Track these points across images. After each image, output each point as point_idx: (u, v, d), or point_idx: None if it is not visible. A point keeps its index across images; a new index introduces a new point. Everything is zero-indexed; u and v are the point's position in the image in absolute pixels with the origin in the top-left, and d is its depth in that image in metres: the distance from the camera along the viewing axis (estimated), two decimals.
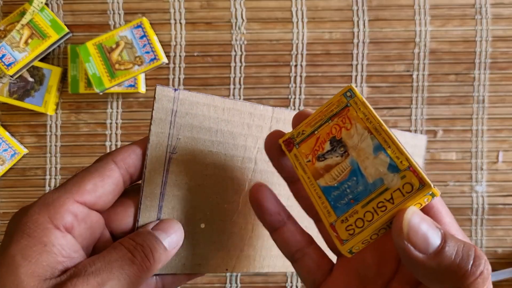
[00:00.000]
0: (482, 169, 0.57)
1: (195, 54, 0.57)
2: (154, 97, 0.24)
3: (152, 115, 0.24)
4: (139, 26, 0.53)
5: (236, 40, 0.57)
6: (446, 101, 0.57)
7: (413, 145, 0.31)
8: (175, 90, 0.24)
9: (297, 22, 0.57)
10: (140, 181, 0.25)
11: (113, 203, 0.24)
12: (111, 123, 0.57)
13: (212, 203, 0.25)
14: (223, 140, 0.25)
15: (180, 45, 0.57)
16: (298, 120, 0.24)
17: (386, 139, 0.20)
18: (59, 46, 0.57)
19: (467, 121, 0.57)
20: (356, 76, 0.57)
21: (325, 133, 0.22)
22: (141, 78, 0.56)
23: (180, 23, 0.57)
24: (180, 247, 0.25)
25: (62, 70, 0.56)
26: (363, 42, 0.57)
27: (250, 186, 0.25)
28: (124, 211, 0.25)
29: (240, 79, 0.57)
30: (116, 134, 0.57)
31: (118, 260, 0.21)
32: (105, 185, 0.23)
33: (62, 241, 0.21)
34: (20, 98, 0.55)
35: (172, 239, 0.24)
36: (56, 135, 0.57)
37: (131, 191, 0.26)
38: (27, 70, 0.55)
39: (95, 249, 0.24)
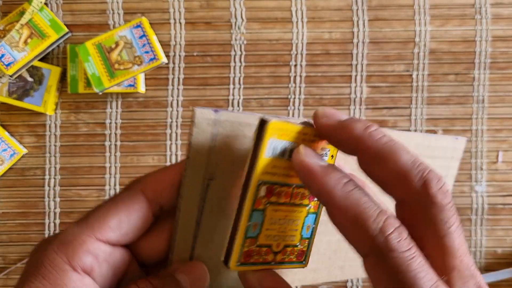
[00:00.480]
0: (482, 169, 0.57)
1: (195, 54, 0.57)
2: (193, 121, 0.21)
3: (190, 141, 0.21)
4: (138, 25, 0.53)
5: (235, 40, 0.57)
6: (446, 101, 0.57)
7: (454, 148, 0.31)
8: (216, 111, 0.21)
9: (297, 22, 0.57)
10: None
11: (140, 236, 0.22)
12: (110, 123, 0.57)
13: None
14: None
15: (180, 44, 0.57)
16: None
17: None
18: (58, 46, 0.57)
19: (466, 121, 0.57)
20: (355, 76, 0.57)
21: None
22: (141, 78, 0.56)
23: (180, 23, 0.57)
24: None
25: (61, 70, 0.56)
26: (363, 42, 0.57)
27: None
28: (155, 241, 0.22)
29: (239, 79, 0.57)
30: (115, 134, 0.57)
31: None
32: (131, 221, 0.21)
33: (79, 284, 0.19)
34: (20, 98, 0.55)
35: (195, 282, 0.22)
36: (55, 135, 0.57)
37: (164, 216, 0.23)
38: (27, 70, 0.55)
39: (121, 283, 0.22)
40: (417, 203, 0.18)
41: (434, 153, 0.30)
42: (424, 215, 0.18)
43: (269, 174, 0.21)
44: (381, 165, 0.19)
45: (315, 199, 0.23)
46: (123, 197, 0.21)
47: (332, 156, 0.22)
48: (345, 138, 0.20)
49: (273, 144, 0.20)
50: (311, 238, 0.23)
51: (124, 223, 0.21)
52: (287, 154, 0.21)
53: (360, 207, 0.18)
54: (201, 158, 0.21)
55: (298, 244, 0.23)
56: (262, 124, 0.20)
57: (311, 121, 0.21)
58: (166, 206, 0.22)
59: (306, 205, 0.23)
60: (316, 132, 0.21)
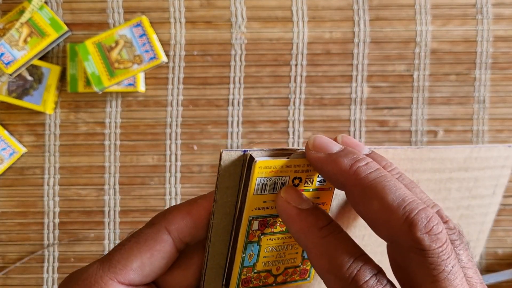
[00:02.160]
0: None
1: (195, 53, 0.57)
2: (219, 164, 0.20)
3: (217, 184, 0.20)
4: (138, 24, 0.53)
5: (236, 39, 0.57)
6: (447, 101, 0.57)
7: (506, 157, 0.30)
8: (245, 151, 0.20)
9: (298, 21, 0.57)
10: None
11: (164, 272, 0.22)
12: (110, 122, 0.57)
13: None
14: None
15: (180, 44, 0.57)
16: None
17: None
18: (58, 45, 0.57)
19: (467, 122, 0.57)
20: (356, 75, 0.57)
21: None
22: (141, 77, 0.56)
23: (180, 22, 0.57)
24: None
25: (61, 69, 0.56)
26: (364, 42, 0.57)
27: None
28: (182, 275, 0.22)
29: (240, 79, 0.57)
30: (115, 133, 0.57)
31: None
32: (155, 262, 0.20)
33: None
34: (19, 97, 0.55)
35: None
36: (55, 134, 0.57)
37: (190, 249, 0.22)
38: (26, 68, 0.55)
39: None
40: (404, 247, 0.17)
41: (484, 164, 0.28)
42: (413, 259, 0.17)
43: (261, 209, 0.21)
44: (367, 203, 0.18)
45: None
46: (146, 237, 0.20)
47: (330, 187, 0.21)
48: (332, 173, 0.19)
49: (262, 182, 0.20)
50: None
51: (147, 265, 0.20)
52: (278, 188, 0.21)
53: (333, 255, 0.17)
54: (230, 200, 0.21)
55: (300, 264, 0.23)
56: (250, 162, 0.20)
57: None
58: (192, 242, 0.22)
59: None
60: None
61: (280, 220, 0.21)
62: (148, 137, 0.57)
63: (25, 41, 0.54)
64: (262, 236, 0.21)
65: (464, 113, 0.57)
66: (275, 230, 0.22)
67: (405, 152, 0.23)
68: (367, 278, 0.16)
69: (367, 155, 0.20)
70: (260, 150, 0.20)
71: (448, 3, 0.57)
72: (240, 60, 0.57)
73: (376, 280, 0.16)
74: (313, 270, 0.24)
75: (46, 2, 0.56)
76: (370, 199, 0.17)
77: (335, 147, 0.19)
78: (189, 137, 0.57)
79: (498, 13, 0.57)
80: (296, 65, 0.57)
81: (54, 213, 0.57)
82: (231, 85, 0.57)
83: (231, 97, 0.57)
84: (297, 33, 0.57)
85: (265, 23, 0.57)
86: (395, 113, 0.57)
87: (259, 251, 0.22)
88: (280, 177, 0.20)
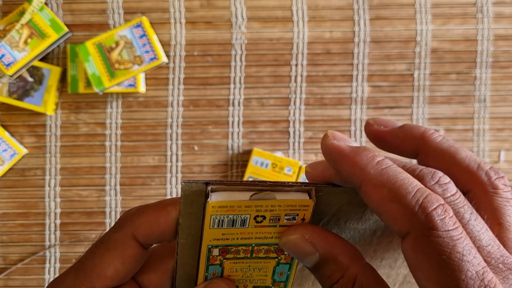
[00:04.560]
0: None
1: (195, 53, 0.57)
2: (181, 193, 0.20)
3: (180, 209, 0.20)
4: (138, 25, 0.53)
5: (236, 39, 0.57)
6: (448, 100, 0.57)
7: None
8: (207, 184, 0.20)
9: (298, 21, 0.57)
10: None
11: (140, 268, 0.22)
12: (110, 123, 0.57)
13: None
14: None
15: (180, 44, 0.57)
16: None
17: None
18: (58, 46, 0.57)
19: (468, 120, 0.57)
20: (357, 75, 0.57)
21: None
22: (141, 78, 0.56)
23: (180, 22, 0.57)
24: None
25: (61, 70, 0.56)
26: (364, 41, 0.57)
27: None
28: (160, 279, 0.23)
29: (240, 79, 0.57)
30: (115, 134, 0.57)
31: None
32: (127, 266, 0.21)
33: None
34: (20, 98, 0.55)
35: None
36: (55, 135, 0.57)
37: (163, 251, 0.23)
38: (27, 70, 0.55)
39: None
40: (416, 233, 0.17)
41: None
42: (426, 244, 0.16)
43: (220, 240, 0.20)
44: (448, 159, 0.19)
45: (286, 253, 0.21)
46: (115, 244, 0.21)
47: (303, 219, 0.20)
48: (405, 138, 0.20)
49: (218, 218, 0.20)
50: (287, 282, 0.23)
51: (121, 271, 0.21)
52: (238, 224, 0.20)
53: (398, 183, 0.17)
54: (192, 223, 0.21)
55: (271, 285, 0.23)
56: (202, 195, 0.19)
57: (272, 194, 0.20)
58: (156, 243, 0.22)
59: (275, 258, 0.22)
60: (278, 203, 0.20)
61: (244, 248, 0.21)
62: (149, 138, 0.57)
63: (25, 42, 0.54)
64: (224, 260, 0.21)
65: (464, 112, 0.57)
66: (238, 256, 0.21)
67: None
68: (435, 206, 0.16)
69: (401, 126, 0.21)
70: (223, 183, 0.19)
71: (448, 2, 0.57)
72: (241, 60, 0.57)
73: (444, 209, 0.16)
74: None
75: (46, 3, 0.56)
76: (451, 156, 0.19)
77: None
78: (190, 137, 0.57)
79: (498, 12, 0.57)
80: (296, 65, 0.57)
81: (55, 214, 0.57)
82: (232, 85, 0.57)
83: (231, 97, 0.57)
84: (297, 33, 0.57)
85: (265, 23, 0.57)
86: (396, 112, 0.57)
87: (222, 272, 0.22)
88: (240, 215, 0.20)
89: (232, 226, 0.20)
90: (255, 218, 0.20)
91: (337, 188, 0.20)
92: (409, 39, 0.57)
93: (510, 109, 0.57)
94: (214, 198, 0.19)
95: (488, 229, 0.17)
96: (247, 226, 0.20)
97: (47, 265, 0.57)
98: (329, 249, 0.19)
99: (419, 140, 0.20)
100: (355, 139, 0.57)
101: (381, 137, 0.21)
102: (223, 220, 0.20)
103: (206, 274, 0.22)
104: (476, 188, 0.19)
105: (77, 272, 0.21)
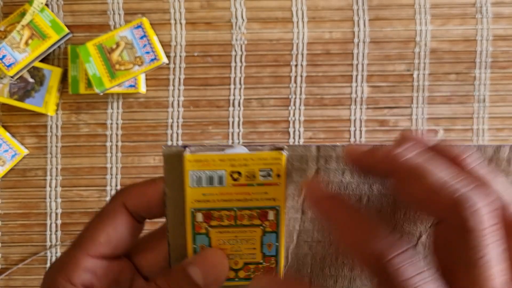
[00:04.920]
0: None
1: (195, 54, 0.57)
2: (163, 159, 0.22)
3: (164, 178, 0.21)
4: (139, 26, 0.53)
5: (236, 40, 0.57)
6: (447, 100, 0.57)
7: None
8: (184, 147, 0.21)
9: (298, 21, 0.57)
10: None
11: (137, 243, 0.23)
12: (111, 124, 0.57)
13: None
14: None
15: (180, 45, 0.57)
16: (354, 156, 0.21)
17: None
18: (59, 47, 0.57)
19: (468, 120, 0.57)
20: (356, 75, 0.57)
21: None
22: (142, 78, 0.56)
23: (180, 23, 0.57)
24: None
25: (62, 71, 0.56)
26: (364, 42, 0.57)
27: (299, 238, 0.23)
28: (156, 254, 0.23)
29: (240, 79, 0.57)
30: (116, 134, 0.57)
31: None
32: (119, 233, 0.22)
33: None
34: (21, 99, 0.55)
35: (210, 275, 0.21)
36: (56, 136, 0.57)
37: (158, 232, 0.24)
38: (28, 70, 0.55)
39: None
40: (450, 226, 0.17)
41: None
42: (456, 240, 0.16)
43: (201, 202, 0.21)
44: (413, 185, 0.18)
45: (270, 218, 0.22)
46: (107, 212, 0.22)
47: (278, 175, 0.21)
48: (376, 162, 0.19)
49: (195, 175, 0.21)
50: (278, 256, 0.23)
51: (113, 237, 0.22)
52: (216, 182, 0.21)
53: (360, 230, 0.17)
54: (176, 193, 0.21)
55: (262, 261, 0.23)
56: (180, 157, 0.20)
57: (244, 149, 0.21)
58: (149, 218, 0.23)
59: (259, 225, 0.22)
60: (250, 156, 0.21)
61: (227, 213, 0.22)
62: (149, 138, 0.57)
63: (26, 43, 0.54)
64: (209, 229, 0.22)
65: (464, 112, 0.57)
66: (222, 224, 0.22)
67: None
68: (397, 252, 0.16)
69: (371, 149, 0.20)
70: (200, 145, 0.20)
71: (447, 3, 0.57)
72: (241, 60, 0.57)
73: (408, 255, 0.16)
74: (280, 269, 0.23)
75: (47, 5, 0.57)
76: (417, 179, 0.17)
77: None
78: (190, 137, 0.57)
79: (497, 12, 0.57)
80: (296, 65, 0.57)
81: (56, 214, 0.57)
82: (232, 86, 0.57)
83: (231, 97, 0.57)
84: (297, 34, 0.57)
85: (265, 24, 0.57)
86: (396, 112, 0.57)
87: (209, 244, 0.22)
88: (215, 171, 0.21)
89: (211, 184, 0.21)
90: (231, 175, 0.21)
91: (307, 146, 0.21)
92: (408, 40, 0.57)
93: (509, 109, 0.57)
94: (189, 152, 0.20)
95: (505, 271, 0.16)
96: (224, 184, 0.21)
97: (48, 265, 0.57)
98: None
99: (387, 162, 0.19)
100: (355, 139, 0.57)
101: (358, 156, 0.20)
102: (200, 177, 0.21)
103: (194, 246, 0.22)
104: (447, 221, 0.17)
105: (75, 243, 0.22)
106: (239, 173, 0.21)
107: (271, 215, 0.22)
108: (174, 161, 0.21)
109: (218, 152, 0.21)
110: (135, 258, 0.23)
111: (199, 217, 0.22)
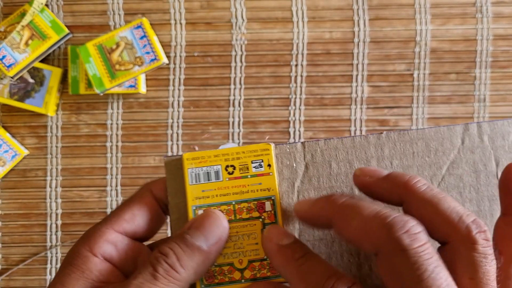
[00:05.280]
0: None
1: (195, 54, 0.57)
2: (165, 170, 0.24)
3: (167, 189, 0.24)
4: (139, 26, 0.53)
5: (236, 40, 0.57)
6: (447, 100, 0.57)
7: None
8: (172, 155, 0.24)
9: (298, 21, 0.57)
10: None
11: (155, 231, 0.25)
12: (111, 124, 0.57)
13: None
14: None
15: (180, 45, 0.57)
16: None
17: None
18: (59, 47, 0.57)
19: (468, 120, 0.57)
20: (356, 75, 0.57)
21: None
22: (142, 79, 0.56)
23: (180, 23, 0.57)
24: None
25: (62, 71, 0.56)
26: (364, 41, 0.57)
27: (301, 237, 0.24)
28: None
29: (240, 79, 0.57)
30: (116, 134, 0.57)
31: (138, 278, 0.20)
32: (143, 214, 0.23)
33: (100, 267, 0.22)
34: (21, 99, 0.55)
35: (209, 234, 0.22)
36: (56, 136, 0.57)
37: None
38: (28, 71, 0.55)
39: None
40: (387, 253, 0.18)
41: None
42: (398, 264, 0.18)
43: (201, 199, 0.23)
44: (430, 209, 0.19)
45: (267, 209, 0.23)
46: (135, 195, 0.24)
47: (269, 165, 0.23)
48: (390, 188, 0.21)
49: (194, 172, 0.23)
50: None
51: (138, 216, 0.23)
52: (213, 177, 0.23)
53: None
54: (179, 200, 0.23)
55: (266, 258, 0.23)
56: (181, 162, 0.23)
57: (233, 144, 0.23)
58: None
59: (258, 217, 0.23)
60: (241, 149, 0.23)
61: (227, 208, 0.23)
62: (150, 138, 0.57)
63: (26, 43, 0.54)
64: None
65: (464, 112, 0.57)
66: None
67: (367, 139, 0.24)
68: (400, 226, 0.18)
69: (386, 176, 0.22)
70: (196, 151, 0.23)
71: (447, 2, 0.57)
72: (241, 61, 0.57)
73: (409, 228, 0.18)
74: None
75: (47, 5, 0.57)
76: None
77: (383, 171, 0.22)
78: (190, 138, 0.57)
79: (497, 12, 0.57)
80: (296, 65, 0.57)
81: (56, 214, 0.57)
82: (232, 86, 0.57)
83: (231, 97, 0.57)
84: (297, 34, 0.57)
85: (265, 24, 0.57)
86: (396, 112, 0.57)
87: None
88: (212, 167, 0.23)
89: (208, 180, 0.23)
90: (226, 169, 0.23)
91: (293, 143, 0.24)
92: (408, 39, 0.57)
93: (509, 108, 0.57)
94: (189, 152, 0.23)
95: (451, 284, 0.18)
96: (221, 179, 0.23)
97: (49, 265, 0.57)
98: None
99: (402, 190, 0.20)
100: None
101: (367, 187, 0.22)
102: (198, 173, 0.23)
103: None
104: (455, 241, 0.19)
105: (103, 220, 0.23)
106: (233, 166, 0.23)
107: (268, 206, 0.23)
108: (174, 167, 0.23)
109: (212, 149, 0.23)
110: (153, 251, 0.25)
111: (200, 213, 0.23)
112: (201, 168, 0.23)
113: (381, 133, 0.25)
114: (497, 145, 0.24)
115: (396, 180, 0.21)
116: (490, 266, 0.18)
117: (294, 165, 0.24)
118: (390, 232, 0.18)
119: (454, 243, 0.19)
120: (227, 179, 0.23)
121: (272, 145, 0.23)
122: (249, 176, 0.23)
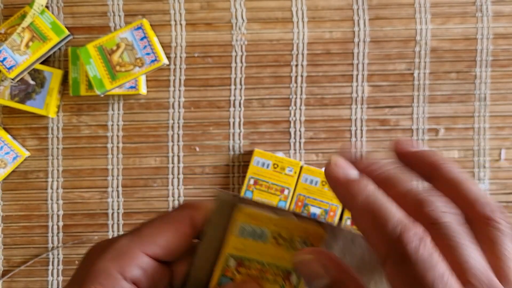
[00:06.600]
0: (484, 167, 0.57)
1: (196, 55, 0.57)
2: (214, 201, 0.23)
3: (209, 218, 0.23)
4: (139, 27, 0.53)
5: (236, 40, 0.57)
6: (448, 99, 0.57)
7: None
8: (235, 196, 0.23)
9: (298, 21, 0.57)
10: None
11: (181, 257, 0.24)
12: (112, 125, 0.57)
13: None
14: None
15: (181, 46, 0.57)
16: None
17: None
18: (59, 49, 0.57)
19: (468, 119, 0.57)
20: (357, 75, 0.57)
21: None
22: (142, 80, 0.56)
23: (180, 24, 0.57)
24: None
25: (63, 73, 0.56)
26: (364, 41, 0.57)
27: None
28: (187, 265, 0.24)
29: (240, 80, 0.57)
30: (117, 136, 0.57)
31: None
32: (177, 242, 0.23)
33: None
34: (22, 101, 0.55)
35: None
36: (57, 138, 0.57)
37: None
38: (28, 73, 0.55)
39: None
40: (395, 260, 0.18)
41: None
42: (403, 271, 0.18)
43: (239, 250, 0.23)
44: (454, 188, 0.20)
45: (292, 281, 0.23)
46: (174, 219, 0.23)
47: (312, 244, 0.22)
48: (420, 164, 0.21)
49: (243, 226, 0.23)
50: None
51: (171, 243, 0.23)
52: (257, 236, 0.23)
53: (378, 214, 0.18)
54: (216, 234, 0.23)
55: None
56: (233, 206, 0.22)
57: (293, 216, 0.22)
58: None
59: (280, 284, 0.23)
60: (295, 223, 0.22)
61: (257, 265, 0.23)
62: (150, 139, 0.57)
63: (26, 45, 0.54)
64: (237, 274, 0.23)
65: (465, 111, 0.57)
66: (249, 272, 0.23)
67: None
68: (412, 238, 0.17)
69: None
70: (251, 200, 0.22)
71: (447, 1, 0.57)
72: (241, 61, 0.57)
73: (419, 238, 0.17)
74: None
75: (47, 7, 0.57)
76: (460, 185, 0.20)
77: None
78: (191, 138, 0.57)
79: (498, 11, 0.57)
80: (296, 65, 0.57)
81: (58, 216, 0.57)
82: (232, 86, 0.57)
83: (232, 98, 0.57)
84: (297, 34, 0.57)
85: (265, 24, 0.57)
86: (396, 112, 0.57)
87: None
88: (261, 227, 0.23)
89: (253, 237, 0.23)
90: (272, 234, 0.23)
91: (341, 229, 0.23)
92: (408, 39, 0.57)
93: (510, 107, 0.57)
94: (244, 205, 0.22)
95: (480, 255, 0.18)
96: (265, 240, 0.23)
97: (50, 267, 0.57)
98: (340, 276, 0.20)
99: (431, 166, 0.21)
100: (355, 139, 0.57)
101: (401, 157, 0.22)
102: (246, 229, 0.23)
103: (218, 287, 0.23)
104: (476, 220, 0.19)
105: (132, 237, 0.22)
106: (280, 234, 0.23)
107: (294, 279, 0.23)
108: (225, 207, 0.23)
109: (271, 213, 0.22)
110: (173, 265, 0.24)
111: (232, 262, 0.23)
112: (250, 225, 0.23)
113: None
114: None
115: (425, 156, 0.21)
116: (442, 264, 0.18)
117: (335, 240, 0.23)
118: (399, 241, 0.18)
119: (475, 222, 0.19)
120: (270, 243, 0.23)
121: (326, 235, 0.22)
122: (291, 249, 0.23)
